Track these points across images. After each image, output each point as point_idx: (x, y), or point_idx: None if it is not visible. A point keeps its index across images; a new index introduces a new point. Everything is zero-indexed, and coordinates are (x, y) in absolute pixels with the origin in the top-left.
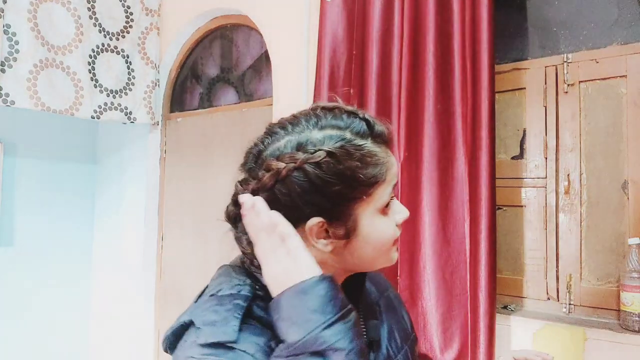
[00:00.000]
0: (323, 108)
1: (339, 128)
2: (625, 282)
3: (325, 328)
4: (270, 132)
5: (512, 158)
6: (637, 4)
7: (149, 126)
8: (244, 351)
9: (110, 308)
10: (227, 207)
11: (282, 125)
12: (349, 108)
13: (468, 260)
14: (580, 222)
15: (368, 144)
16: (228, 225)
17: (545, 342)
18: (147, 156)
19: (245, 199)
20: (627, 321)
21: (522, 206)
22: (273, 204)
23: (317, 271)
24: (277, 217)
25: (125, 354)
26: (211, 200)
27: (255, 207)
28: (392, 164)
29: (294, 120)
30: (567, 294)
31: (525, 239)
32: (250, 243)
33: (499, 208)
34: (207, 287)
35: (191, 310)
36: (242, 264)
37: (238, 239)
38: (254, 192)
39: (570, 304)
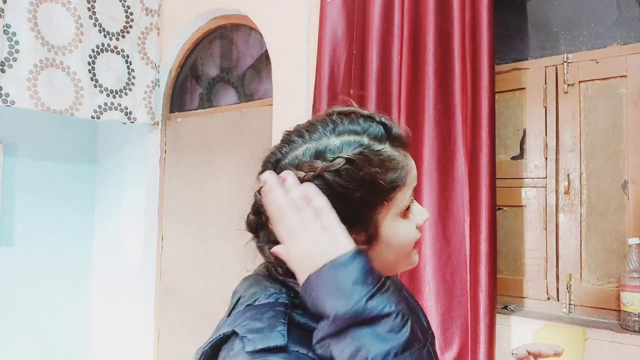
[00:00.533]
0: (339, 113)
1: (357, 133)
2: (625, 282)
3: (369, 299)
4: (288, 140)
5: (512, 158)
6: (637, 4)
7: (149, 126)
8: (297, 351)
9: (110, 308)
10: (248, 216)
11: (299, 133)
12: (366, 112)
13: (468, 260)
14: (580, 222)
15: (386, 148)
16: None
17: (545, 342)
18: (147, 156)
19: (268, 176)
20: (627, 321)
21: (522, 206)
22: None
23: (353, 245)
24: (312, 189)
25: (125, 354)
26: (211, 201)
27: (287, 182)
28: (412, 167)
29: (310, 128)
30: (567, 294)
31: (525, 239)
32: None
33: (499, 208)
34: (238, 299)
35: (229, 322)
36: (270, 273)
37: (261, 249)
38: None
39: (570, 304)
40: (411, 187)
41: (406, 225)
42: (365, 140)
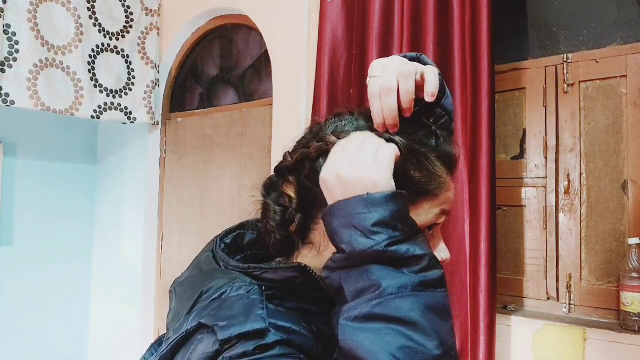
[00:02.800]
0: None
1: (407, 128)
2: (625, 282)
3: (392, 244)
4: (337, 114)
5: (512, 158)
6: (637, 4)
7: (149, 126)
8: (285, 327)
9: (110, 308)
10: (270, 177)
11: (351, 111)
12: (423, 118)
13: (468, 260)
14: (580, 222)
15: (432, 154)
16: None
17: (545, 342)
18: (147, 156)
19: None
20: (627, 321)
21: (522, 206)
22: (310, 178)
23: (393, 186)
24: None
25: (124, 354)
26: (211, 200)
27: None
28: (449, 188)
29: (364, 111)
30: (567, 294)
31: (525, 239)
32: (276, 213)
33: (499, 208)
34: (199, 295)
35: (193, 317)
36: (236, 267)
37: (266, 208)
38: (297, 162)
39: (570, 304)
40: (440, 207)
41: None
42: (414, 133)
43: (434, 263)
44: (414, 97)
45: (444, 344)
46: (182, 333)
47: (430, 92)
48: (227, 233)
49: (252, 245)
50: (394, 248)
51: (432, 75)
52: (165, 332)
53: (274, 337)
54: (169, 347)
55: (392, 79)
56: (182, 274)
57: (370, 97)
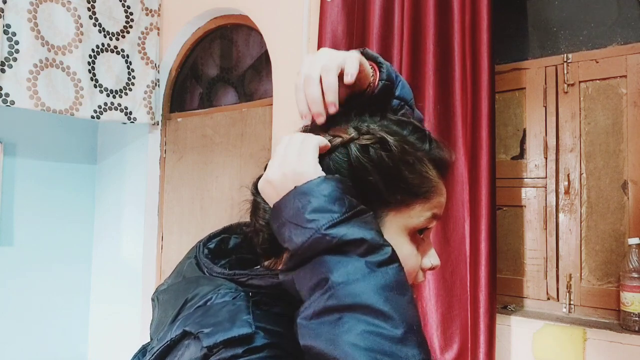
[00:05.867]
0: (389, 117)
1: (401, 130)
2: (625, 282)
3: (331, 227)
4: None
5: (512, 158)
6: (637, 4)
7: (149, 126)
8: (278, 331)
9: (110, 308)
10: (261, 175)
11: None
12: (416, 123)
13: (468, 260)
14: (580, 222)
15: (425, 157)
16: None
17: (545, 342)
18: (147, 156)
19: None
20: (627, 321)
21: (522, 206)
22: None
23: (320, 173)
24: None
25: (124, 354)
26: (211, 200)
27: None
28: (442, 192)
29: (358, 112)
30: (567, 294)
31: (525, 239)
32: (266, 211)
33: (499, 208)
34: (184, 303)
35: (177, 325)
36: (220, 274)
37: (256, 206)
38: None
39: (570, 304)
40: (432, 210)
41: (411, 249)
42: (407, 136)
43: (380, 240)
44: (337, 91)
45: (404, 320)
46: (167, 342)
47: (349, 73)
48: (210, 238)
49: (237, 249)
50: (332, 231)
51: (351, 60)
52: (149, 341)
53: (263, 340)
54: (153, 357)
55: (315, 72)
56: (164, 281)
57: (294, 90)
